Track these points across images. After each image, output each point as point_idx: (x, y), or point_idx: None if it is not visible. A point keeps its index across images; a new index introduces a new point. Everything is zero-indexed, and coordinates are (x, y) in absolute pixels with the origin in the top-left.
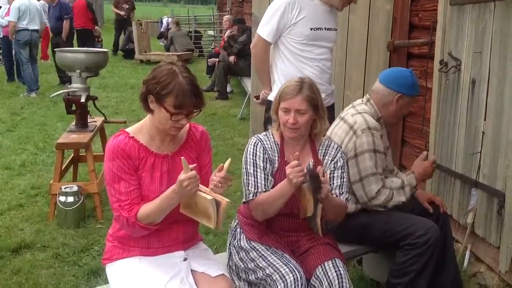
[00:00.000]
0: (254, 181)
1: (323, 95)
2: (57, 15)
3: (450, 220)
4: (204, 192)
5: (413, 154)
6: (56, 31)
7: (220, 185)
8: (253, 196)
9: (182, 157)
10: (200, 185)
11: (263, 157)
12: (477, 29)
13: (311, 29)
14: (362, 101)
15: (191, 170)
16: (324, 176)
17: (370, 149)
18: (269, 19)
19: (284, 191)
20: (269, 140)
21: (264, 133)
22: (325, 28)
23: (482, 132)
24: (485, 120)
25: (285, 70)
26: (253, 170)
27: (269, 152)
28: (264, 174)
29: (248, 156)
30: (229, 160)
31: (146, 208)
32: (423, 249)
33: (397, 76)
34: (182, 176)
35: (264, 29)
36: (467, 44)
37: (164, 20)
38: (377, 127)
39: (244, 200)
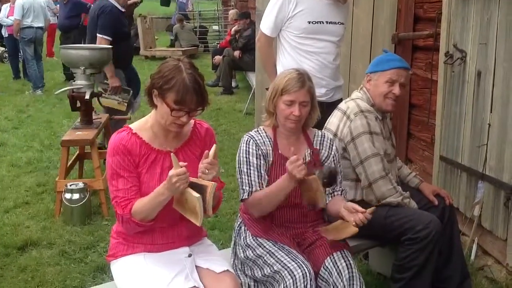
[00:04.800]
0: (248, 180)
1: (323, 90)
2: (67, 14)
3: (456, 213)
4: (194, 183)
5: (419, 147)
6: (65, 29)
7: (207, 171)
8: (248, 195)
9: (172, 153)
10: (190, 177)
11: (256, 154)
12: (482, 20)
13: (309, 22)
14: (357, 90)
15: (181, 167)
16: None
17: (365, 131)
18: (268, 13)
19: (284, 186)
20: (260, 135)
21: (255, 129)
22: (326, 22)
23: (488, 124)
24: (491, 112)
25: (285, 63)
26: (247, 169)
27: (262, 147)
28: (258, 171)
29: (241, 154)
30: (214, 146)
31: (139, 204)
32: (423, 244)
33: (375, 59)
34: (171, 172)
35: (264, 24)
36: (472, 36)
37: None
38: (370, 110)
39: (241, 199)
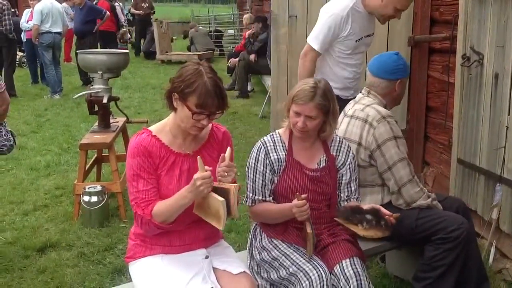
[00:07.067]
0: (252, 187)
1: (351, 91)
2: (83, 19)
3: (473, 216)
4: (216, 187)
5: (436, 149)
6: (80, 34)
7: (226, 174)
8: (251, 202)
9: (198, 156)
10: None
11: (264, 162)
12: (499, 22)
13: (356, 41)
14: (363, 94)
15: (206, 171)
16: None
17: (390, 137)
18: (321, 30)
19: (286, 216)
20: (275, 139)
21: (271, 133)
22: (365, 36)
23: (506, 126)
24: (509, 114)
25: (325, 74)
26: (253, 175)
27: (272, 154)
28: (263, 180)
29: (250, 160)
30: (228, 149)
31: (160, 206)
32: (454, 244)
33: (388, 65)
34: (196, 175)
35: (316, 40)
36: (489, 38)
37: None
38: (390, 114)
39: (245, 202)
